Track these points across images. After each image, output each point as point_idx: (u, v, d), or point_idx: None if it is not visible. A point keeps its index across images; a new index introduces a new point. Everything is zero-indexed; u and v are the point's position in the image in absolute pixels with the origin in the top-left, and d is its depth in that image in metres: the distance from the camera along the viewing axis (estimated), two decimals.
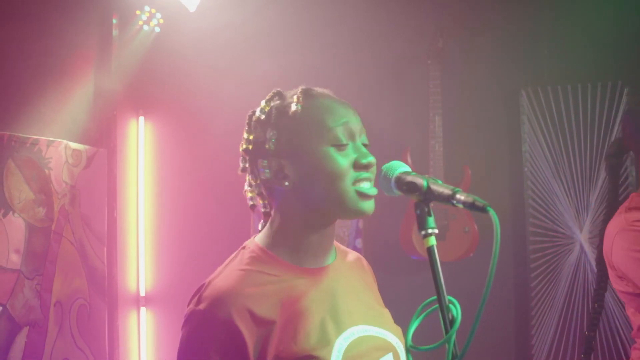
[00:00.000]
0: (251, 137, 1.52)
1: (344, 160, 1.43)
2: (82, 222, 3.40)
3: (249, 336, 1.34)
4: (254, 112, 1.54)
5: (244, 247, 1.53)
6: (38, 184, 3.08)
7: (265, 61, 4.03)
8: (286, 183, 1.45)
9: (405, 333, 1.50)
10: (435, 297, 1.25)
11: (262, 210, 1.53)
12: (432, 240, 1.26)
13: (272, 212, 1.53)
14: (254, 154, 1.50)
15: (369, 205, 1.44)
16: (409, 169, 1.36)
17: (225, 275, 1.44)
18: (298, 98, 1.48)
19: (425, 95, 3.83)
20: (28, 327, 2.95)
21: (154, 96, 4.15)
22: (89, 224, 3.47)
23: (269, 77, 4.00)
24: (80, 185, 3.39)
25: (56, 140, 3.22)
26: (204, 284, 1.44)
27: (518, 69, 3.98)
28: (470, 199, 1.19)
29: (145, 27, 3.86)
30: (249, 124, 1.54)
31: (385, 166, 1.38)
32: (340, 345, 1.38)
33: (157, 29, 3.91)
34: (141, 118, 4.13)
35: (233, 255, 1.53)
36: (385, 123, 4.03)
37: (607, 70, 3.85)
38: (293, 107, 1.47)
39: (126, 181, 3.95)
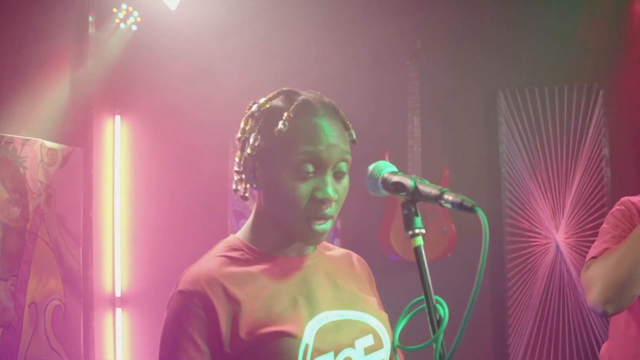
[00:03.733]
0: (246, 128, 1.54)
1: (301, 190, 1.43)
2: (57, 222, 3.36)
3: (221, 311, 1.38)
4: (254, 103, 1.55)
5: (222, 240, 1.57)
6: (13, 183, 3.04)
7: (244, 60, 4.02)
8: (254, 185, 1.51)
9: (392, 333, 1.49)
10: (422, 296, 1.25)
11: (242, 195, 1.55)
12: (419, 240, 1.26)
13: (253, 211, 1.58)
14: (242, 144, 1.53)
15: (315, 237, 1.47)
16: (395, 169, 1.36)
17: (201, 262, 1.50)
18: (289, 115, 1.46)
19: (403, 96, 3.84)
20: (2, 328, 2.91)
21: (130, 95, 4.12)
22: (65, 224, 3.42)
23: (247, 77, 3.99)
24: (55, 184, 3.34)
25: (31, 139, 3.18)
26: (182, 274, 1.49)
27: (496, 71, 4.01)
28: (458, 199, 1.18)
29: (122, 26, 3.83)
30: (246, 113, 1.57)
31: (372, 166, 1.37)
32: (313, 326, 1.41)
33: (134, 27, 3.87)
34: (117, 117, 4.10)
35: (211, 249, 1.57)
36: (364, 124, 4.01)
37: (583, 72, 3.90)
38: (280, 125, 1.46)
39: (102, 181, 3.92)
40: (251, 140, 1.49)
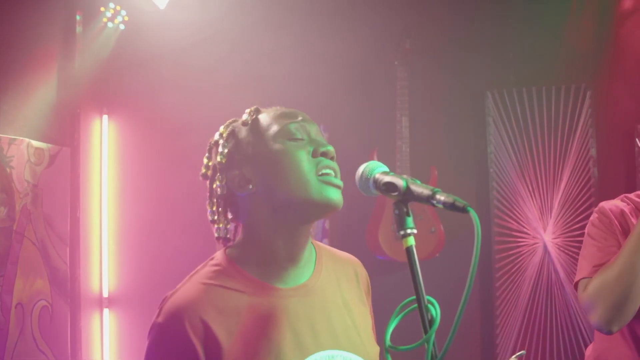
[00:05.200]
0: (209, 163, 1.52)
1: (299, 151, 1.43)
2: (44, 222, 3.33)
3: (200, 350, 1.33)
4: (212, 139, 1.54)
5: (212, 258, 1.51)
6: None
7: (232, 60, 4.01)
8: (250, 186, 1.44)
9: (383, 333, 1.49)
10: (414, 297, 1.24)
11: (224, 235, 1.50)
12: (411, 241, 1.25)
13: (240, 228, 1.51)
14: (213, 175, 1.51)
15: (334, 193, 1.42)
16: (387, 169, 1.36)
17: (185, 288, 1.42)
18: (249, 112, 1.50)
19: (392, 96, 3.84)
20: None
21: (118, 95, 4.10)
22: (52, 224, 3.40)
23: (235, 76, 3.98)
24: (42, 184, 3.32)
25: (18, 138, 3.15)
26: (166, 296, 1.43)
27: (484, 71, 4.02)
28: (450, 199, 1.18)
29: (110, 25, 3.81)
30: (208, 150, 1.54)
31: (363, 166, 1.37)
32: None
33: (122, 27, 3.86)
34: (105, 116, 4.07)
35: (199, 266, 1.50)
36: (352, 124, 4.03)
37: (571, 73, 3.92)
38: (244, 117, 1.49)
39: (89, 180, 3.89)
40: (221, 153, 1.47)
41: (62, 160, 3.51)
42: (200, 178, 1.53)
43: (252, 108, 1.52)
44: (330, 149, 1.44)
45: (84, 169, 3.77)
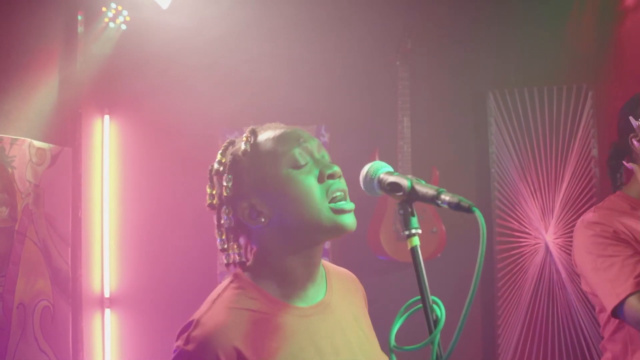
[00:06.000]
0: (214, 192, 1.51)
1: (307, 178, 1.42)
2: (46, 222, 3.33)
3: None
4: (212, 167, 1.52)
5: (232, 280, 1.50)
6: (1, 183, 3.01)
7: (234, 60, 4.01)
8: (262, 219, 1.44)
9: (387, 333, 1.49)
10: (418, 297, 1.24)
11: (239, 260, 1.49)
12: (416, 241, 1.25)
13: (253, 250, 1.52)
14: (219, 206, 1.50)
15: (347, 219, 1.43)
16: (391, 169, 1.36)
17: (213, 313, 1.41)
18: (247, 138, 1.48)
19: (393, 96, 3.84)
20: None
21: (119, 95, 4.10)
22: (53, 224, 3.40)
23: (236, 77, 3.98)
24: (44, 184, 3.32)
25: (20, 138, 3.15)
26: (192, 321, 1.41)
27: (485, 71, 4.02)
28: (455, 199, 1.18)
29: (112, 25, 3.81)
30: (210, 179, 1.53)
31: (367, 166, 1.37)
32: None
33: (124, 27, 3.86)
34: (106, 117, 4.08)
35: (221, 287, 1.50)
36: (354, 124, 4.03)
37: (573, 73, 3.91)
38: (242, 147, 1.47)
39: (91, 181, 3.89)
40: (226, 186, 1.46)
41: (63, 160, 3.51)
42: (207, 208, 1.53)
43: (248, 132, 1.50)
44: (336, 169, 1.44)
45: (86, 169, 3.77)
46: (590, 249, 2.13)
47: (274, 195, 1.43)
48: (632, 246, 2.05)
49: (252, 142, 1.48)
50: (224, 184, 1.47)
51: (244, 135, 1.50)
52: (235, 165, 1.47)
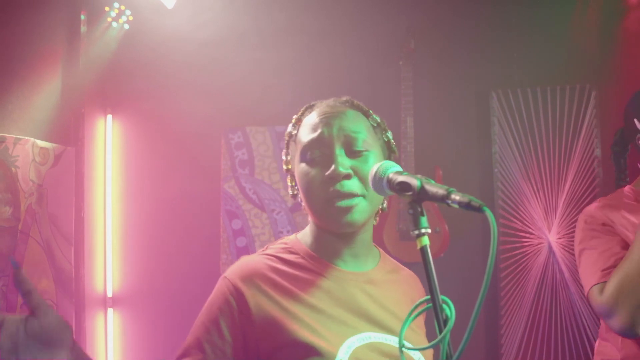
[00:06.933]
0: (288, 158, 1.63)
1: (314, 174, 1.48)
2: (49, 222, 3.33)
3: (256, 311, 1.41)
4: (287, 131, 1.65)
5: (283, 238, 1.62)
6: (4, 182, 3.01)
7: (237, 60, 4.01)
8: (294, 193, 1.60)
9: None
10: (428, 296, 1.24)
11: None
12: (425, 240, 1.24)
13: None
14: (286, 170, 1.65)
15: (350, 218, 1.46)
16: (400, 168, 1.35)
17: (254, 255, 1.54)
18: (296, 119, 1.59)
19: (396, 96, 3.84)
20: None
21: (122, 94, 4.10)
22: (57, 224, 3.40)
23: (240, 77, 3.98)
24: (47, 184, 3.32)
25: (23, 138, 3.15)
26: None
27: (489, 71, 4.01)
28: (465, 199, 1.17)
29: (114, 24, 3.81)
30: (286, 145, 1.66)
31: (376, 166, 1.37)
32: (351, 343, 1.40)
33: (127, 26, 3.86)
34: (109, 116, 4.08)
35: (270, 243, 1.62)
36: None
37: (576, 73, 3.91)
38: (289, 129, 1.59)
39: (94, 180, 3.89)
40: (283, 157, 1.62)
41: (66, 160, 3.51)
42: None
43: (300, 112, 1.61)
44: (338, 172, 1.45)
45: (89, 168, 3.77)
46: (580, 239, 2.18)
47: (297, 182, 1.54)
48: (620, 239, 2.06)
49: (296, 123, 1.60)
50: (283, 158, 1.62)
51: (301, 109, 1.62)
52: (290, 142, 1.61)
